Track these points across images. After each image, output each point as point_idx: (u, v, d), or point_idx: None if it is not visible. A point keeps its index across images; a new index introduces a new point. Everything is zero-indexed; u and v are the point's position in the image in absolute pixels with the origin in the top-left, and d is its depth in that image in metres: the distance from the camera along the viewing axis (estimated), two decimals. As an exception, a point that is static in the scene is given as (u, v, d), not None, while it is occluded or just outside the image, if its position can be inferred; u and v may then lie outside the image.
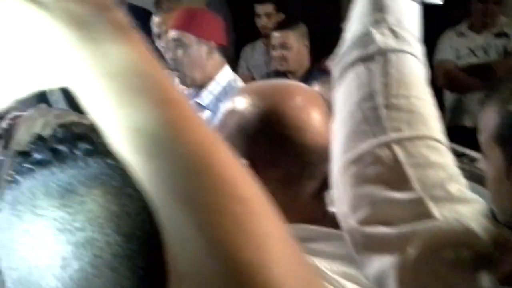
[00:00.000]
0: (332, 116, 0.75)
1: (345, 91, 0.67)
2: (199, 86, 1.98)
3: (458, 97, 3.48)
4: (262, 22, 3.58)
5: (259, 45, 3.74)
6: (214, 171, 0.37)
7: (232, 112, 0.83)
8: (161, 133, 0.37)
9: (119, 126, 0.37)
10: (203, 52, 1.96)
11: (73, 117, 1.04)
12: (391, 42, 0.66)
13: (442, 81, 3.49)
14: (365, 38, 0.67)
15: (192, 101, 1.96)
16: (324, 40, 4.54)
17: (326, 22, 5.18)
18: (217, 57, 2.01)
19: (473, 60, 3.37)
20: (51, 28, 0.36)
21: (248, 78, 3.48)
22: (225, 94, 1.92)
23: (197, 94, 2.00)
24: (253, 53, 3.67)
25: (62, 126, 0.58)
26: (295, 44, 2.86)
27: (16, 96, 0.40)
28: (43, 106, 1.12)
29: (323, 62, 3.51)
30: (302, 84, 0.90)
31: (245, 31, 3.92)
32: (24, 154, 0.54)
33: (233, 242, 0.36)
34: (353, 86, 0.65)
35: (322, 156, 0.75)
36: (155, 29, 2.75)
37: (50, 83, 0.39)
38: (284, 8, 3.67)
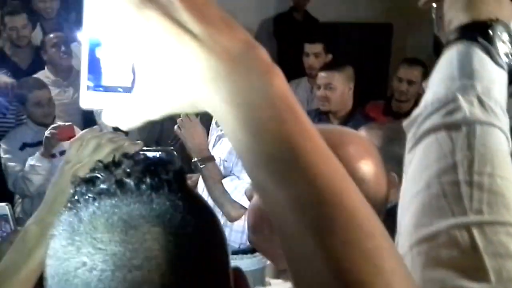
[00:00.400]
0: (384, 167, 0.73)
1: (422, 157, 0.62)
2: None
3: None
4: (310, 61, 3.63)
5: (304, 82, 3.79)
6: (347, 205, 0.39)
7: None
8: (297, 162, 0.40)
9: (257, 151, 0.40)
10: None
11: (125, 141, 1.05)
12: (478, 112, 0.62)
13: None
14: (450, 104, 0.63)
15: None
16: (370, 85, 4.58)
17: (374, 68, 5.27)
18: None
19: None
20: (199, 58, 0.40)
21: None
22: None
23: None
24: (297, 90, 3.72)
25: (127, 156, 0.56)
26: (339, 86, 2.89)
27: (150, 117, 0.43)
28: (96, 128, 1.13)
29: (368, 106, 3.54)
30: (355, 132, 0.88)
31: (290, 67, 3.98)
32: (88, 182, 0.53)
33: (362, 276, 0.37)
34: (432, 154, 0.61)
35: (376, 209, 0.75)
36: None
37: (184, 108, 0.43)
38: (333, 50, 3.72)
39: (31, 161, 2.93)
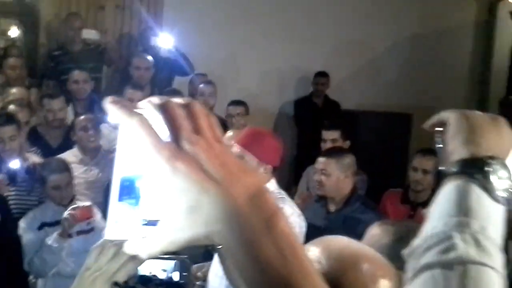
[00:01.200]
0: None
1: None
2: None
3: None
4: (327, 146, 3.68)
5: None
6: None
7: None
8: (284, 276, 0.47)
9: (262, 284, 0.47)
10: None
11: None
12: (472, 252, 0.63)
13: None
14: (446, 242, 0.64)
15: None
16: (388, 173, 4.54)
17: (393, 156, 5.28)
18: (267, 176, 2.33)
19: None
20: (218, 200, 0.47)
21: (306, 196, 3.53)
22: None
23: None
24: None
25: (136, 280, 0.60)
26: (334, 173, 2.96)
27: (169, 248, 0.49)
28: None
29: (386, 194, 3.53)
30: (371, 250, 0.89)
31: (310, 151, 4.01)
32: None
33: None
34: None
35: None
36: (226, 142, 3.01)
37: (201, 241, 0.49)
38: (352, 137, 3.77)
39: (48, 241, 2.90)
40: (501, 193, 0.68)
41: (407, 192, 3.43)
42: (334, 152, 3.15)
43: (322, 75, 5.47)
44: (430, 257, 0.64)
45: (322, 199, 3.08)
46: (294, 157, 5.34)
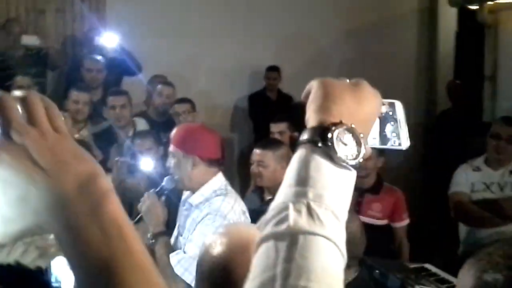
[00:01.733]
0: None
1: (253, 268, 0.62)
2: (191, 189, 2.36)
3: (471, 230, 3.41)
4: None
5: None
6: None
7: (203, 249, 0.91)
8: (114, 279, 0.49)
9: (83, 268, 0.49)
10: (188, 165, 2.29)
11: (53, 248, 1.07)
12: (303, 222, 0.62)
13: (455, 213, 3.46)
14: (283, 213, 0.63)
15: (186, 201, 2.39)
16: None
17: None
18: (203, 167, 2.31)
19: (488, 195, 3.36)
20: (46, 189, 0.48)
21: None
22: (215, 195, 2.30)
23: (190, 195, 2.36)
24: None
25: None
26: (272, 164, 2.99)
27: (2, 241, 0.50)
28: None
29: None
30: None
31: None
32: None
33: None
34: (259, 265, 0.62)
35: None
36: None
37: (33, 231, 0.50)
38: (300, 127, 3.78)
39: None
40: (345, 159, 0.66)
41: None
42: (269, 144, 3.17)
43: (273, 70, 5.49)
44: (267, 229, 0.63)
45: (259, 189, 3.14)
46: (251, 151, 5.33)
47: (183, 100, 4.28)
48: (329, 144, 0.66)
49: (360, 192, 3.26)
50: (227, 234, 1.09)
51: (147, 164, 3.27)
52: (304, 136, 0.68)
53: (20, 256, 1.04)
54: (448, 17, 6.15)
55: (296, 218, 0.62)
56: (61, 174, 0.48)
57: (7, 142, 0.48)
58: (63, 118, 0.52)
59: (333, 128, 0.67)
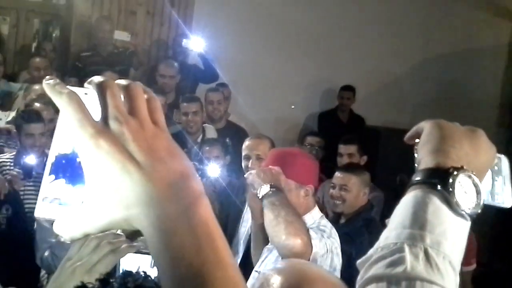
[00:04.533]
0: None
1: None
2: None
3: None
4: (343, 161, 3.64)
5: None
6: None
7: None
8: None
9: (172, 275, 0.46)
10: (300, 195, 2.10)
11: (123, 243, 1.11)
12: (421, 268, 0.59)
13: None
14: (396, 254, 0.60)
15: None
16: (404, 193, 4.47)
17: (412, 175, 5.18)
18: (310, 199, 2.13)
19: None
20: (138, 183, 0.46)
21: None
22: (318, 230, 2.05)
23: None
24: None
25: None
26: (354, 188, 2.89)
27: (89, 231, 0.49)
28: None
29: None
30: (325, 272, 0.91)
31: (333, 166, 3.95)
32: None
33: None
34: None
35: None
36: (244, 151, 2.98)
37: (120, 225, 0.48)
38: (372, 153, 3.73)
39: (61, 237, 2.92)
40: (464, 208, 0.63)
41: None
42: (354, 168, 3.08)
43: (347, 89, 5.43)
44: (378, 269, 0.61)
45: (334, 215, 2.98)
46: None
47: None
48: (450, 189, 0.63)
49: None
50: (284, 272, 1.02)
51: (214, 170, 3.35)
52: (418, 177, 0.66)
53: (93, 250, 1.11)
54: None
55: (414, 263, 0.59)
56: (154, 169, 0.46)
57: (106, 129, 0.46)
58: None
59: (455, 172, 0.63)
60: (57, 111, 0.49)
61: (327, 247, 1.96)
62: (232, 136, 4.11)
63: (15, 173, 3.16)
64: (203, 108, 4.26)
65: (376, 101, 5.63)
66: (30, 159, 3.15)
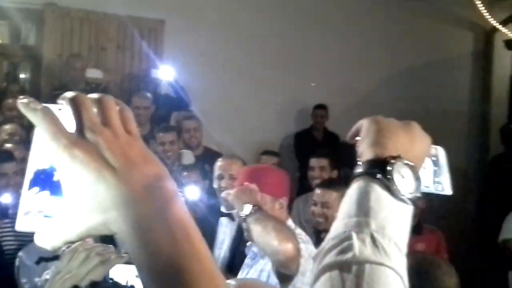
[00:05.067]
0: None
1: None
2: None
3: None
4: (315, 174, 3.67)
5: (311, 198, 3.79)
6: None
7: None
8: (182, 282, 0.49)
9: (151, 269, 0.49)
10: (276, 208, 2.18)
11: (112, 254, 1.12)
12: (369, 252, 0.62)
13: (506, 260, 3.33)
14: (345, 242, 0.64)
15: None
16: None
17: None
18: (284, 211, 2.21)
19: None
20: (114, 187, 0.49)
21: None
22: None
23: None
24: (305, 207, 3.69)
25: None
26: (335, 205, 2.85)
27: (69, 238, 0.51)
28: (88, 240, 1.21)
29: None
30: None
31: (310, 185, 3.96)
32: None
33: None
34: None
35: None
36: (217, 171, 3.01)
37: (99, 229, 0.50)
38: (339, 165, 3.76)
39: (46, 275, 2.88)
40: (404, 193, 0.67)
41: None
42: (334, 184, 3.06)
43: (321, 107, 5.52)
44: (329, 258, 0.64)
45: (316, 232, 2.95)
46: (296, 191, 5.33)
47: (270, 153, 4.46)
48: (389, 176, 0.67)
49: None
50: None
51: (192, 192, 3.37)
52: (360, 169, 0.70)
53: (82, 262, 1.11)
54: (503, 61, 6.03)
55: (361, 248, 0.62)
56: (129, 173, 0.49)
57: (80, 140, 0.49)
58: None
59: (392, 161, 0.68)
60: (28, 149, 0.52)
61: (309, 252, 2.01)
62: (210, 163, 4.13)
63: (-10, 213, 3.13)
64: (180, 137, 4.28)
65: (349, 117, 5.69)
66: (5, 198, 3.12)
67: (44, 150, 0.52)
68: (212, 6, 5.41)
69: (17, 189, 3.24)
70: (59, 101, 0.52)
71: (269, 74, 5.54)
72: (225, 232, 3.05)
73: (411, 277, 0.64)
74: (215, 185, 3.10)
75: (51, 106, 0.51)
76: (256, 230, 1.97)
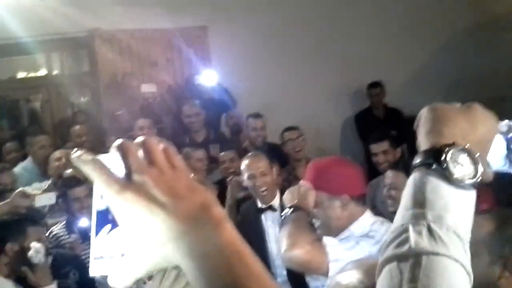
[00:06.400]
0: None
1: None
2: (337, 233, 2.06)
3: None
4: (380, 159, 3.58)
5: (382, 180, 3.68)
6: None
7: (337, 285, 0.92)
8: None
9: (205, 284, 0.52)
10: (336, 206, 2.03)
11: None
12: (425, 244, 0.63)
13: None
14: (403, 235, 0.65)
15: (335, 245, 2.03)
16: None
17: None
18: (352, 207, 2.04)
19: None
20: (164, 222, 0.52)
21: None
22: (366, 238, 1.99)
23: (338, 239, 2.05)
24: (377, 190, 3.59)
25: None
26: (403, 186, 2.79)
27: (138, 275, 0.54)
28: None
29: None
30: None
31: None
32: None
33: None
34: (384, 285, 0.64)
35: None
36: (247, 171, 3.13)
37: (162, 264, 0.53)
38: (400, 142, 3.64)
39: None
40: (462, 178, 0.67)
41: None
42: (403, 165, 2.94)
43: (374, 86, 5.39)
44: (388, 251, 0.65)
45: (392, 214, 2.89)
46: (365, 173, 5.22)
47: (291, 128, 4.33)
48: (444, 165, 0.67)
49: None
50: (365, 267, 1.05)
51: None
52: (417, 160, 0.70)
53: (173, 281, 1.16)
54: None
55: (417, 239, 0.64)
56: (177, 206, 0.52)
57: (130, 183, 0.52)
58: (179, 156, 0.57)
59: (446, 149, 0.68)
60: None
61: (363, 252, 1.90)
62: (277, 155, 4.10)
63: (72, 239, 3.27)
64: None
65: (409, 91, 5.53)
66: (83, 222, 3.27)
67: (101, 193, 0.56)
68: (252, 6, 5.40)
69: (91, 211, 3.37)
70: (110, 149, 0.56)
71: (316, 62, 5.48)
72: (271, 226, 3.08)
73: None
74: (248, 184, 3.14)
75: (101, 156, 0.55)
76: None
